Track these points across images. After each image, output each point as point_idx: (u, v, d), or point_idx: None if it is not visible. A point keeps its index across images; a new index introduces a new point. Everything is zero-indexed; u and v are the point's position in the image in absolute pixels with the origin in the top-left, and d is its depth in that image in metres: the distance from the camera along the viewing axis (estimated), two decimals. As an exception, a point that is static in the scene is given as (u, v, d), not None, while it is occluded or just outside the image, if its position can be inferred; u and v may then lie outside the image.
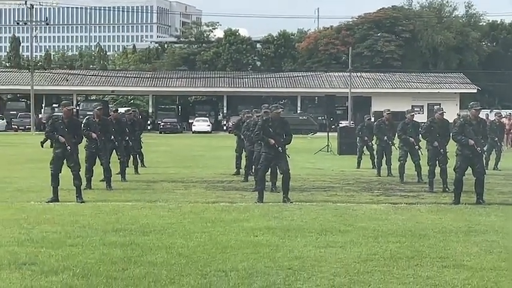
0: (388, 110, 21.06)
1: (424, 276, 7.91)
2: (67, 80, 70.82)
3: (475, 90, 70.09)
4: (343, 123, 54.26)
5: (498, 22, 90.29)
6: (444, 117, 16.65)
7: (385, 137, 20.27)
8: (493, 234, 10.62)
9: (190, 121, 66.86)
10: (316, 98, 73.14)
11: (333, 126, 51.19)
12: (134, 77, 73.77)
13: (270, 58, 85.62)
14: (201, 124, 63.71)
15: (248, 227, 11.13)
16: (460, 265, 8.49)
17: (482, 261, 8.69)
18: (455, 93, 69.85)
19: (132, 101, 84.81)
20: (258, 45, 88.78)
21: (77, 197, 14.06)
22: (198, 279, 7.73)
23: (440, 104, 65.92)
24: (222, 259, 8.71)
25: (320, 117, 59.56)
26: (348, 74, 65.20)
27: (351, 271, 8.15)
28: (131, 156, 20.18)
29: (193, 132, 62.34)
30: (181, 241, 9.85)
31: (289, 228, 11.07)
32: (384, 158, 20.58)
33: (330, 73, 73.16)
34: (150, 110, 73.17)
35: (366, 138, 23.63)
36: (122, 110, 63.59)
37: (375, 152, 21.87)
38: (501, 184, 18.34)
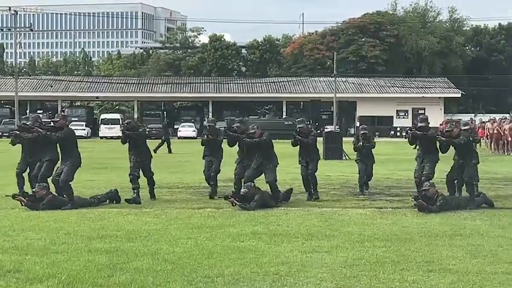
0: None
1: (410, 281, 7.93)
2: (51, 86, 70.53)
3: (459, 95, 70.49)
4: (329, 128, 54.34)
5: (482, 27, 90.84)
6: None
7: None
8: (478, 238, 10.67)
9: (175, 127, 66.77)
10: (302, 103, 73.30)
11: (319, 131, 51.37)
12: (119, 83, 73.60)
13: (255, 63, 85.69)
14: (186, 130, 63.68)
15: (234, 232, 11.12)
16: (446, 269, 8.52)
17: (468, 265, 8.72)
18: (439, 97, 70.17)
19: (117, 107, 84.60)
20: (243, 51, 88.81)
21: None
22: (184, 285, 7.71)
23: (424, 108, 66.49)
24: (208, 265, 8.69)
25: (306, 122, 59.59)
26: (333, 79, 65.34)
27: (337, 276, 8.15)
28: None
29: (178, 138, 62.24)
30: (167, 247, 9.82)
31: (275, 233, 11.07)
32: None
33: (315, 78, 73.32)
34: (136, 116, 72.98)
35: None
36: (106, 116, 62.89)
37: None
38: (485, 188, 18.40)
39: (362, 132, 17.25)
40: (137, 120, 70.60)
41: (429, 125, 14.98)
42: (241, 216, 12.94)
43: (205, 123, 70.21)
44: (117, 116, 64.30)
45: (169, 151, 35.88)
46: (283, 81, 72.73)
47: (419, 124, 14.98)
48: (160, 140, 36.47)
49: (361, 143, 17.11)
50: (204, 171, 16.55)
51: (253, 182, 14.55)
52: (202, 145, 16.68)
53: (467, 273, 8.30)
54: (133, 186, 14.98)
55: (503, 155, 33.94)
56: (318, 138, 16.17)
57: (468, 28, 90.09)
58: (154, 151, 33.72)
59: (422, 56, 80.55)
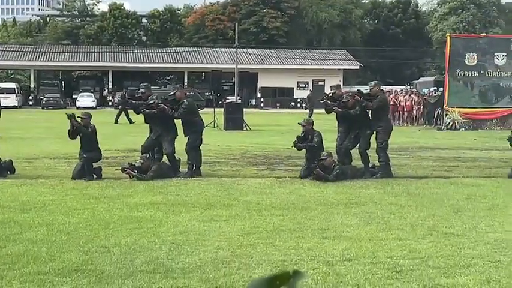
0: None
1: (305, 248, 8.08)
2: None
3: (358, 67, 71.83)
4: (230, 99, 54.43)
5: (380, 0, 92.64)
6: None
7: None
8: (372, 206, 10.97)
9: (74, 96, 65.34)
10: (203, 73, 73.02)
11: (220, 102, 51.34)
12: (14, 51, 71.23)
13: (156, 33, 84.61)
14: (85, 100, 62.33)
15: (132, 202, 11.05)
16: (340, 236, 8.73)
17: (361, 232, 8.96)
18: (338, 69, 71.27)
19: (12, 76, 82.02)
20: (144, 20, 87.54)
21: None
22: (80, 255, 7.61)
23: (324, 80, 67.47)
24: (104, 235, 8.61)
25: (207, 93, 59.51)
26: (235, 50, 65.35)
27: (234, 244, 8.23)
28: None
29: (77, 108, 60.96)
30: (63, 218, 9.66)
31: (174, 203, 11.06)
32: None
33: (216, 49, 73.11)
34: (32, 85, 71.00)
35: None
36: (1, 84, 60.74)
37: None
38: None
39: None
40: (33, 89, 68.93)
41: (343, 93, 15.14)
42: (139, 186, 12.85)
43: (105, 93, 69.19)
44: (12, 85, 62.35)
45: (130, 121, 34.09)
46: (184, 52, 72.20)
47: (331, 92, 15.17)
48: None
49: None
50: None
51: (149, 153, 14.42)
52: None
53: (360, 239, 8.53)
54: None
55: (399, 126, 34.90)
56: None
57: (367, 1, 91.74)
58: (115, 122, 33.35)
59: (323, 28, 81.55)
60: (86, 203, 10.99)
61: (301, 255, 7.76)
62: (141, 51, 73.47)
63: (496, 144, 22.99)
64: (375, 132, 14.72)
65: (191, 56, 71.41)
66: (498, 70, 33.00)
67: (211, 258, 7.57)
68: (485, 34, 46.20)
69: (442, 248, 8.10)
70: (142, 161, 14.01)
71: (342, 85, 42.89)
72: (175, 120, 14.84)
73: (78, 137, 14.30)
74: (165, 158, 14.69)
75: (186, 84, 69.53)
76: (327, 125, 20.61)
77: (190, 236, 8.61)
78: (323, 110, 15.72)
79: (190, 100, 15.20)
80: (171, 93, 15.17)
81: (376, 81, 15.67)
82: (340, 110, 14.68)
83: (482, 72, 32.99)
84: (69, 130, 14.23)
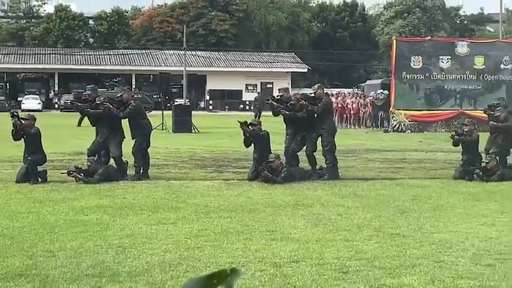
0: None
1: (253, 249, 8.09)
2: None
3: (306, 70, 72.31)
4: (179, 102, 54.22)
5: (327, 3, 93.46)
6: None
7: None
8: (319, 208, 11.04)
9: (19, 99, 64.30)
10: (151, 76, 72.62)
11: (168, 105, 51.09)
12: (-43, 53, 69.89)
13: (103, 35, 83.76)
14: (30, 102, 61.36)
15: (78, 206, 10.92)
16: (288, 238, 8.76)
17: (308, 234, 9.01)
18: (287, 72, 71.61)
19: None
20: (91, 22, 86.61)
21: None
22: (24, 260, 7.49)
23: (273, 82, 67.72)
24: (49, 239, 8.48)
25: (155, 96, 59.20)
26: (183, 52, 65.15)
27: (181, 247, 8.19)
28: None
29: (22, 111, 59.97)
30: (7, 222, 9.50)
31: (121, 206, 10.97)
32: None
33: (164, 51, 72.77)
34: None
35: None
36: None
37: None
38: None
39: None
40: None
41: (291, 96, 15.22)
42: (86, 189, 12.70)
43: (51, 95, 68.27)
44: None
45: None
46: (132, 54, 71.69)
47: (279, 95, 15.25)
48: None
49: None
50: None
51: (96, 156, 14.28)
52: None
53: (307, 241, 8.57)
54: None
55: (347, 128, 35.24)
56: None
57: (314, 4, 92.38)
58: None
59: (271, 31, 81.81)
60: (30, 206, 10.82)
61: (249, 257, 7.77)
62: (88, 53, 72.72)
63: (441, 146, 23.35)
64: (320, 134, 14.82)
65: (139, 58, 70.95)
66: (443, 73, 33.54)
67: (159, 262, 7.53)
68: (430, 37, 46.94)
69: (388, 249, 8.19)
70: (88, 163, 13.86)
71: (290, 88, 43.19)
72: (122, 122, 14.72)
73: (23, 139, 14.07)
74: (112, 161, 14.54)
75: (134, 86, 69.06)
76: (274, 128, 20.65)
77: (137, 239, 8.54)
78: (271, 113, 15.76)
79: (137, 102, 15.09)
80: (118, 95, 15.04)
81: (319, 84, 15.79)
82: (287, 112, 14.74)
83: (427, 75, 33.49)
84: (12, 130, 14.00)
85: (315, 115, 14.85)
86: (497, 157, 14.97)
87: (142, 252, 7.90)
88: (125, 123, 14.69)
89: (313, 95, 15.09)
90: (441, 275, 7.15)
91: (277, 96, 15.52)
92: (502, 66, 33.58)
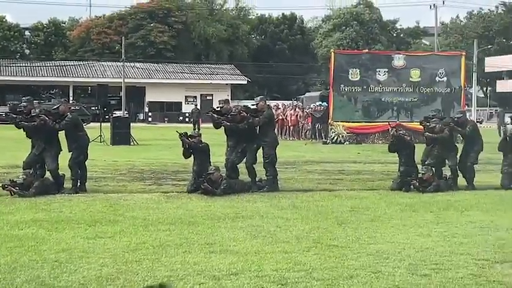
0: None
1: (192, 262, 8.04)
2: None
3: (245, 82, 72.58)
4: (117, 114, 53.71)
5: (266, 16, 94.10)
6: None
7: None
8: (259, 220, 11.04)
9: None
10: (89, 87, 71.79)
11: (107, 117, 50.55)
12: None
13: (40, 46, 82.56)
14: (-37, 114, 60.00)
15: (13, 220, 10.69)
16: (227, 250, 8.73)
17: (248, 246, 9.00)
18: (226, 84, 71.72)
19: None
20: (27, 33, 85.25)
21: None
22: (-44, 277, 7.29)
23: (212, 94, 67.71)
24: (-18, 255, 8.27)
25: (93, 107, 58.52)
26: (122, 64, 64.67)
27: (119, 261, 8.09)
28: None
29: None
30: None
31: (58, 220, 10.78)
32: None
33: (103, 63, 72.15)
34: None
35: None
36: None
37: None
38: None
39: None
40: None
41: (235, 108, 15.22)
42: (21, 203, 12.45)
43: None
44: None
45: None
46: (69, 65, 70.85)
47: (219, 107, 15.25)
48: None
49: None
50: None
51: (31, 169, 14.03)
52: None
53: (246, 253, 8.56)
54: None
55: (286, 140, 35.42)
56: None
57: (253, 17, 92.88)
58: None
59: (210, 43, 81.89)
60: (-37, 221, 10.54)
61: (188, 270, 7.72)
62: (24, 64, 71.59)
63: (379, 158, 23.68)
64: (261, 146, 14.87)
65: (76, 69, 70.18)
66: (380, 85, 34.06)
67: (95, 276, 7.41)
68: (367, 50, 47.61)
69: (326, 260, 8.24)
70: (24, 177, 13.61)
71: (230, 99, 43.20)
72: (59, 135, 14.50)
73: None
74: (48, 174, 14.31)
75: (71, 98, 68.16)
76: (214, 140, 20.63)
77: (74, 254, 8.41)
78: (211, 125, 15.73)
79: (74, 114, 14.87)
80: (55, 107, 14.81)
81: (261, 96, 15.82)
82: (228, 124, 14.75)
83: (365, 87, 33.97)
84: None
85: (257, 127, 14.90)
86: (433, 168, 15.24)
87: (78, 267, 7.77)
88: (61, 135, 14.47)
89: (255, 107, 15.14)
90: (378, 285, 7.23)
91: (218, 108, 15.51)
92: (437, 78, 34.29)
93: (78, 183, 14.33)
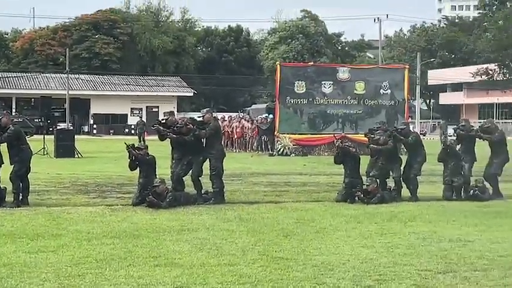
0: None
1: (136, 276, 7.96)
2: None
3: (192, 94, 72.44)
4: (61, 126, 53.07)
5: (212, 28, 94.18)
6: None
7: None
8: (204, 232, 11.00)
9: None
10: (33, 99, 70.76)
11: (50, 129, 49.90)
12: None
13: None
14: None
15: (-48, 235, 10.43)
16: (172, 263, 8.67)
17: (193, 259, 8.95)
18: (172, 96, 71.49)
19: None
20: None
21: None
22: None
23: (158, 106, 67.37)
24: None
25: (36, 120, 57.78)
26: (66, 75, 63.94)
27: (61, 275, 7.96)
28: None
29: None
30: None
31: (-2, 234, 10.56)
32: None
33: (46, 74, 71.19)
34: None
35: None
36: None
37: None
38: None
39: None
40: None
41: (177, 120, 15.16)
42: (-39, 217, 12.17)
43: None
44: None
45: None
46: (12, 77, 69.75)
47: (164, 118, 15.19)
48: None
49: None
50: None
51: None
52: None
53: (192, 266, 8.51)
54: None
55: (232, 152, 35.39)
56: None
57: (199, 29, 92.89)
58: None
59: (156, 54, 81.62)
60: None
61: (132, 284, 7.63)
62: (-35, 75, 70.25)
63: (324, 169, 23.85)
64: (208, 158, 14.84)
65: (19, 81, 69.14)
66: (325, 98, 34.36)
67: (37, 291, 7.28)
68: (313, 63, 48.01)
69: (272, 272, 8.24)
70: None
71: (176, 112, 43.10)
72: (0, 148, 14.23)
73: None
74: (-11, 188, 14.02)
75: (14, 110, 67.05)
76: (160, 152, 20.51)
77: (15, 268, 8.24)
78: (156, 137, 15.63)
79: (16, 126, 14.59)
80: None
81: (208, 109, 15.80)
82: (174, 136, 14.68)
83: (310, 99, 34.22)
84: None
85: (203, 139, 14.87)
86: (377, 180, 15.41)
87: (20, 282, 7.62)
88: (3, 148, 14.21)
89: (201, 119, 15.11)
90: (323, 296, 7.24)
91: (163, 120, 15.44)
92: (381, 91, 34.74)
93: (20, 197, 14.08)
